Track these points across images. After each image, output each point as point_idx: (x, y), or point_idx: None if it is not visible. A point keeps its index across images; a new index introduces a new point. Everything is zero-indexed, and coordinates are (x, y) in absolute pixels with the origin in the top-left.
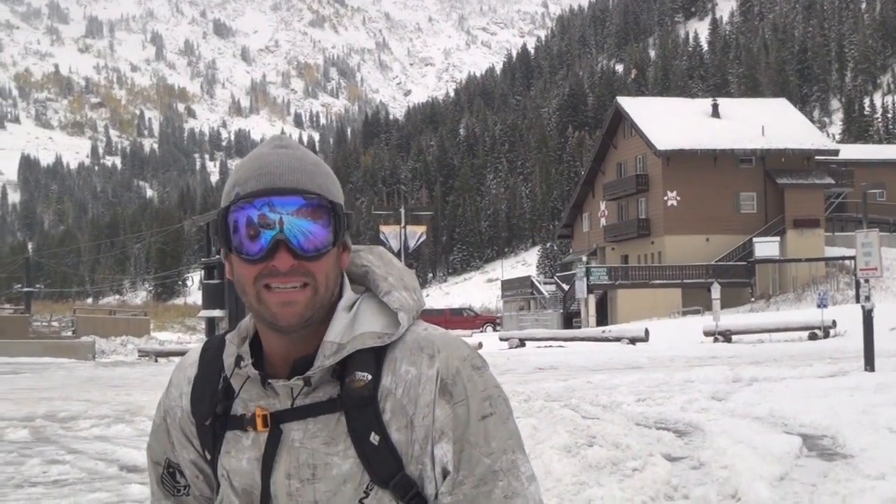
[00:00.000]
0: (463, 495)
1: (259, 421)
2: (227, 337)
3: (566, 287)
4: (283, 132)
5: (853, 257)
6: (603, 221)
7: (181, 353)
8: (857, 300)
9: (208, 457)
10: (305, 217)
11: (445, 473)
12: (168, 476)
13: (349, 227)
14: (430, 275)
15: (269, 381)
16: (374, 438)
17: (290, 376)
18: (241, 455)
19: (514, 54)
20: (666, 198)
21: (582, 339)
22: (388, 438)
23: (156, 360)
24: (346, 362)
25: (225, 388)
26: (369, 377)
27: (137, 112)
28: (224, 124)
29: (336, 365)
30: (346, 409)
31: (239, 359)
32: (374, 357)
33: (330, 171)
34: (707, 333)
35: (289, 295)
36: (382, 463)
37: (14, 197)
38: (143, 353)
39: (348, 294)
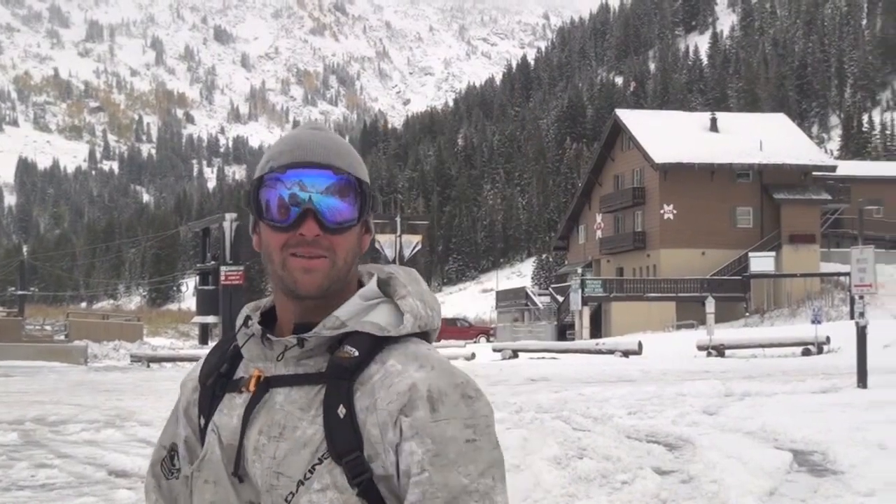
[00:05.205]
0: None
1: (252, 381)
2: (246, 305)
3: (561, 299)
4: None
5: (848, 273)
6: (599, 234)
7: (173, 360)
8: (852, 317)
9: (203, 423)
10: (333, 194)
11: (409, 475)
12: (168, 459)
13: (374, 208)
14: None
15: (268, 336)
16: (341, 411)
17: None
18: (232, 413)
19: (514, 65)
20: (662, 211)
21: (575, 352)
22: (354, 416)
23: (148, 366)
24: (342, 341)
25: (232, 352)
26: (356, 353)
27: (136, 117)
28: (222, 130)
29: (334, 341)
30: (328, 380)
31: (247, 319)
32: (371, 345)
33: (357, 154)
34: (700, 347)
35: (310, 263)
36: (342, 438)
37: (10, 199)
38: (136, 359)
39: (371, 286)
